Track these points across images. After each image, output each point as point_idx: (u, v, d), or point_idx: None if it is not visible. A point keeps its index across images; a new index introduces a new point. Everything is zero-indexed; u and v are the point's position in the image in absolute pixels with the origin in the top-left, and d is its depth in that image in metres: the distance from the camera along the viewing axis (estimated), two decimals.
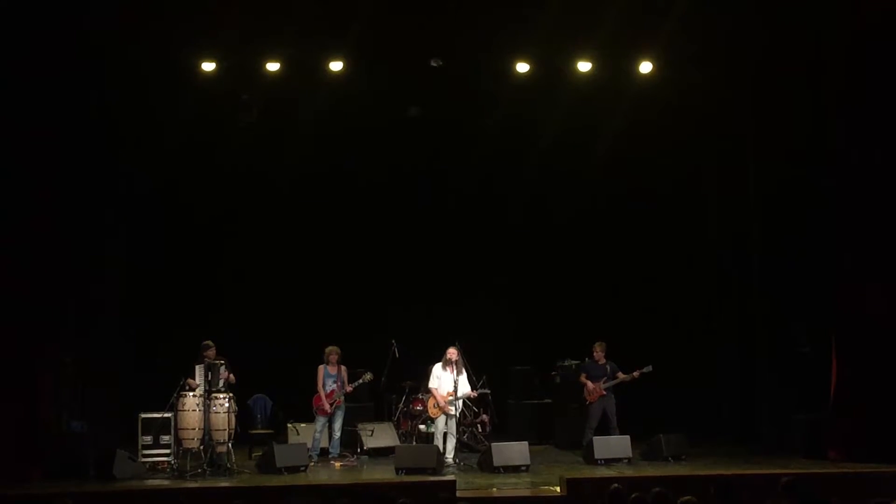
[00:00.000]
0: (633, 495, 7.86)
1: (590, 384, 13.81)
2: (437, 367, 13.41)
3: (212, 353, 12.68)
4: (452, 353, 13.29)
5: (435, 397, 13.29)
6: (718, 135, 15.45)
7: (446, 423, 13.26)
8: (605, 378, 13.72)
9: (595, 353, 13.91)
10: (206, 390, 12.45)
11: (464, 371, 13.40)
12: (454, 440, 13.31)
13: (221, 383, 12.53)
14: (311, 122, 15.07)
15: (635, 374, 13.63)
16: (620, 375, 13.69)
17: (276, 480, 11.84)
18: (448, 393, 13.22)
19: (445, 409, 13.18)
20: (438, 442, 13.22)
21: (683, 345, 15.72)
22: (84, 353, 13.51)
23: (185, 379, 12.57)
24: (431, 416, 13.33)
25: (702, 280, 16.02)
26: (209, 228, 15.92)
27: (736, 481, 9.94)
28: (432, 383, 13.38)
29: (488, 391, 14.19)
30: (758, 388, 14.49)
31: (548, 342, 15.77)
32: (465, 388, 13.34)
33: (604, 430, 13.62)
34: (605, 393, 13.72)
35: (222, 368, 12.59)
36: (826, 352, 13.20)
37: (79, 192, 13.57)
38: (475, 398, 14.02)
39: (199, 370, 12.57)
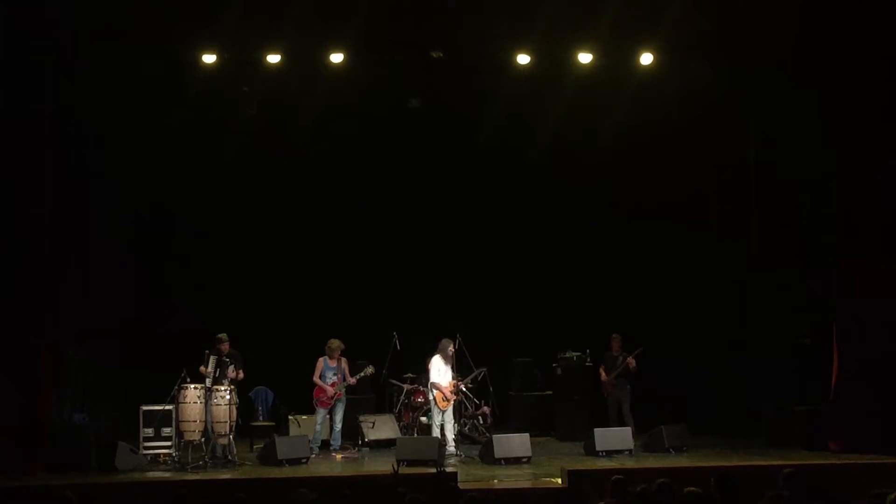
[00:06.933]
0: (640, 487, 7.87)
1: (603, 376, 14.30)
2: (438, 360, 13.51)
3: (225, 347, 12.72)
4: (451, 346, 13.45)
5: (441, 391, 13.36)
6: (719, 125, 15.42)
7: (443, 415, 13.36)
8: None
9: (612, 346, 14.32)
10: (212, 383, 12.49)
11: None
12: (452, 426, 13.43)
13: (226, 383, 12.57)
14: (312, 114, 15.03)
15: (630, 359, 13.95)
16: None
17: (277, 472, 11.87)
18: (451, 383, 13.35)
19: (452, 399, 13.40)
20: (437, 433, 13.28)
21: (685, 335, 15.71)
22: (86, 344, 13.52)
23: (206, 365, 12.57)
24: (441, 409, 13.41)
25: (703, 271, 16.01)
26: (210, 221, 15.92)
27: (737, 473, 9.93)
28: (435, 377, 13.46)
29: (483, 369, 14.18)
30: (759, 379, 14.48)
31: (549, 334, 15.77)
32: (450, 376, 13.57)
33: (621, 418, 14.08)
34: (615, 383, 14.08)
35: (230, 368, 12.62)
36: (827, 343, 13.20)
37: (78, 185, 13.55)
38: (474, 389, 14.21)
39: (212, 361, 12.59)
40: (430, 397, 13.54)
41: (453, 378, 13.56)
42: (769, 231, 14.35)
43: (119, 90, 14.04)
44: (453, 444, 13.39)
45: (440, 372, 13.51)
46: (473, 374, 14.03)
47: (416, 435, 13.89)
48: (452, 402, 13.53)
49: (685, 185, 15.96)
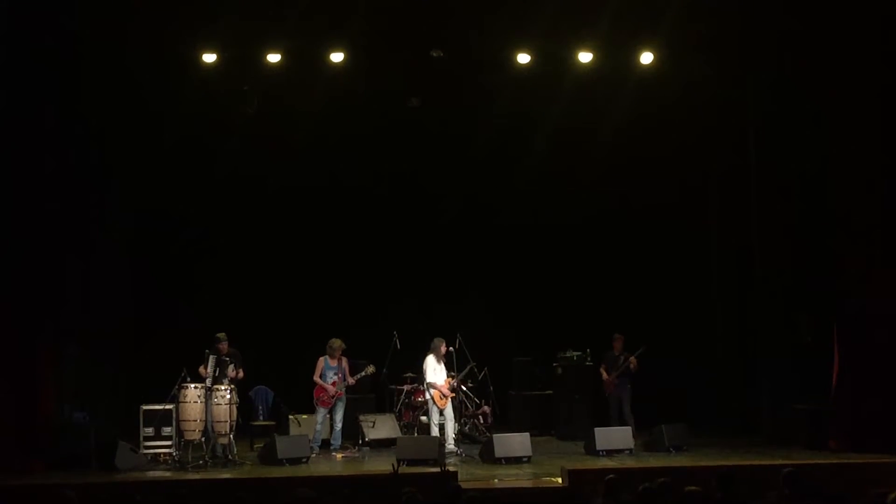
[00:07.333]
0: (642, 486, 7.87)
1: (604, 376, 14.37)
2: (432, 360, 13.58)
3: (224, 346, 12.70)
4: (443, 345, 13.56)
5: (438, 389, 13.41)
6: (719, 125, 15.41)
7: (441, 413, 13.40)
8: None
9: (614, 346, 14.42)
10: (211, 383, 12.48)
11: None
12: (452, 424, 13.49)
13: (226, 381, 12.57)
14: (312, 114, 15.03)
15: (632, 359, 14.09)
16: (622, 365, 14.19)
17: (277, 472, 11.86)
18: (447, 381, 13.46)
19: (450, 396, 13.49)
20: (435, 432, 13.30)
21: (685, 335, 15.72)
22: (86, 343, 13.52)
23: (206, 365, 12.57)
24: (440, 407, 13.45)
25: (703, 270, 16.02)
26: (210, 220, 15.92)
27: (737, 472, 9.93)
28: (431, 377, 13.50)
29: (475, 364, 14.19)
30: (759, 378, 14.49)
31: (549, 333, 15.76)
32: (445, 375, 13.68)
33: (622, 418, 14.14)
34: (616, 382, 14.20)
35: (230, 367, 12.62)
36: (827, 341, 13.20)
37: (78, 185, 13.56)
38: (474, 388, 14.30)
39: (211, 360, 12.58)
40: (427, 396, 13.55)
41: (448, 376, 13.62)
42: (769, 231, 14.35)
43: (119, 89, 14.02)
44: (453, 442, 13.41)
45: (435, 371, 13.56)
46: (467, 369, 14.01)
47: (416, 434, 13.89)
48: (450, 400, 13.58)
49: (685, 185, 15.96)
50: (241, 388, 13.11)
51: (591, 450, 12.90)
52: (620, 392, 14.23)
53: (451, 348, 13.69)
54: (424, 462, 11.98)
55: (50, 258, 12.66)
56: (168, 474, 11.90)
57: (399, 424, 14.32)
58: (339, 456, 13.31)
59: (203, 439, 12.44)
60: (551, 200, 16.60)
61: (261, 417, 14.42)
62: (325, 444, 13.60)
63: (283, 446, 12.43)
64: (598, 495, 8.44)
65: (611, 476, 8.54)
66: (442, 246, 16.37)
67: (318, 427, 13.58)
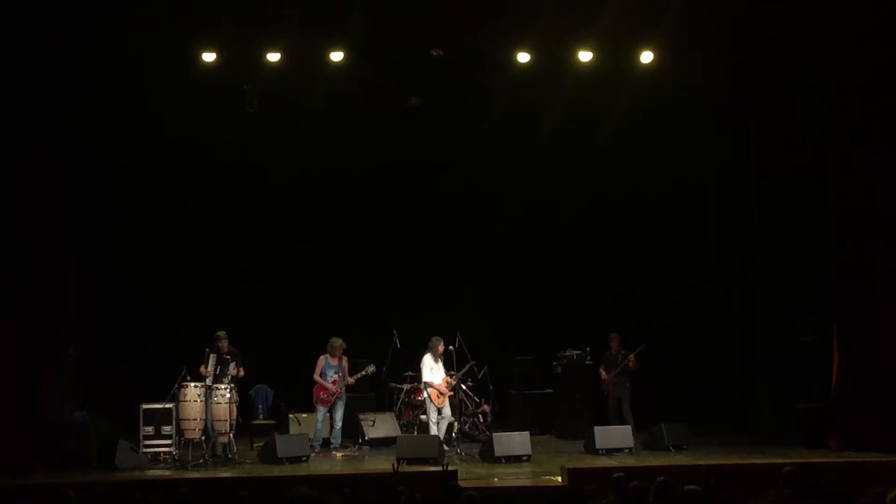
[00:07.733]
0: (633, 483, 7.88)
1: (603, 374, 14.39)
2: (429, 359, 13.58)
3: (224, 344, 12.70)
4: (440, 344, 13.55)
5: (435, 388, 13.42)
6: (720, 124, 15.42)
7: (440, 412, 13.41)
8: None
9: (611, 346, 14.40)
10: (212, 382, 12.48)
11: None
12: (447, 423, 13.51)
13: (227, 379, 12.58)
14: (311, 113, 15.03)
15: (631, 357, 14.08)
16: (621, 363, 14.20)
17: (277, 471, 11.87)
18: (444, 380, 13.49)
19: (447, 395, 13.51)
20: (434, 431, 13.30)
21: (684, 334, 15.73)
22: (86, 343, 13.53)
23: (207, 364, 12.56)
24: (438, 405, 13.45)
25: (703, 269, 16.02)
26: (211, 220, 15.94)
27: (737, 471, 9.94)
28: (428, 376, 13.51)
29: (473, 362, 14.19)
30: (759, 378, 14.50)
31: (549, 332, 15.78)
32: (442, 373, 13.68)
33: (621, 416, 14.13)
34: (615, 381, 14.17)
35: (231, 365, 12.62)
36: (827, 341, 13.21)
37: (78, 184, 13.56)
38: (474, 387, 14.29)
39: (212, 359, 12.57)
40: (425, 395, 13.56)
41: (447, 374, 13.63)
42: (769, 230, 14.35)
43: (119, 89, 14.00)
44: (444, 435, 13.39)
45: (432, 370, 13.56)
46: (466, 368, 14.01)
47: (416, 433, 13.89)
48: (449, 399, 13.60)
49: (685, 185, 15.98)
50: (241, 386, 13.11)
51: (591, 448, 12.91)
52: (620, 391, 14.24)
53: (450, 347, 13.69)
54: (424, 461, 11.99)
55: (50, 258, 12.66)
56: (168, 473, 11.90)
57: (399, 423, 14.33)
58: (339, 455, 13.31)
59: (203, 438, 12.44)
60: (551, 199, 16.63)
61: (261, 416, 14.44)
62: (326, 443, 13.61)
63: (283, 445, 12.44)
64: (605, 494, 8.42)
65: (619, 474, 8.53)
66: (442, 245, 16.38)
67: (319, 426, 13.58)
